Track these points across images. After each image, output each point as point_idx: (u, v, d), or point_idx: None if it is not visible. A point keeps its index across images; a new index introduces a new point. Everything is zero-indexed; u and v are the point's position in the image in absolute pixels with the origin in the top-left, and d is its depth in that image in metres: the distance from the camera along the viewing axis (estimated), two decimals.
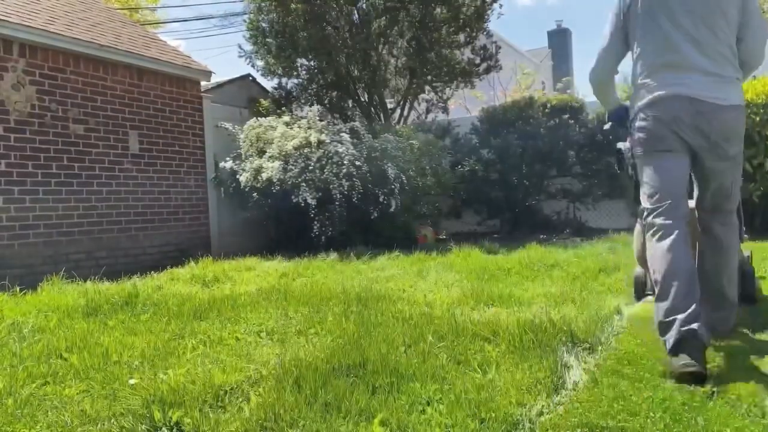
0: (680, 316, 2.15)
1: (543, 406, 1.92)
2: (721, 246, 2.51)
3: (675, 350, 2.13)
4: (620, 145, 2.79)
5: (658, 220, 2.38)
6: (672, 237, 2.30)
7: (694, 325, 2.12)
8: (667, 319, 2.19)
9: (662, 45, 2.39)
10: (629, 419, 1.78)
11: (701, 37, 2.33)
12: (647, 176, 2.46)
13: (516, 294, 3.62)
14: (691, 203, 2.62)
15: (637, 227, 3.02)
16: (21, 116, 5.67)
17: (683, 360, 2.06)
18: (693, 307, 2.16)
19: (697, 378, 2.03)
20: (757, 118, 6.37)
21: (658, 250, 2.33)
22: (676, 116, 2.35)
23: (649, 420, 1.77)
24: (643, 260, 2.98)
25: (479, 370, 2.26)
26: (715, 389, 1.98)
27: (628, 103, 2.70)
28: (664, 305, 2.23)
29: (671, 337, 2.15)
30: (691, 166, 2.48)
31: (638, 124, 2.47)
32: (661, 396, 1.92)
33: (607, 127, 3.00)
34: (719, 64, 2.34)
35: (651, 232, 2.40)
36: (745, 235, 3.07)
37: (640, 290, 3.36)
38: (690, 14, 2.34)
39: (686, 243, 2.32)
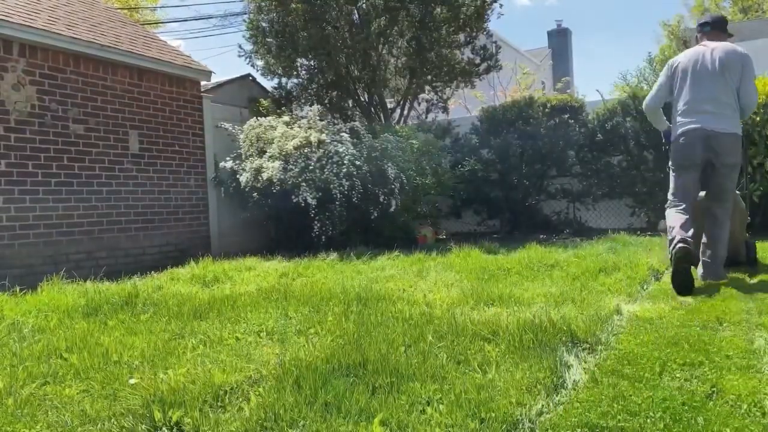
0: (678, 236, 3.66)
1: (543, 405, 1.92)
2: (717, 221, 3.88)
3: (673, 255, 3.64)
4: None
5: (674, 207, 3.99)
6: (680, 208, 3.87)
7: (688, 240, 3.63)
8: (672, 245, 3.68)
9: (690, 96, 3.87)
10: (629, 419, 1.78)
11: (713, 93, 3.79)
12: (673, 181, 3.99)
13: (516, 294, 3.62)
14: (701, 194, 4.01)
15: None
16: (21, 116, 5.68)
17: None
18: (685, 234, 3.65)
19: (686, 256, 3.54)
20: (758, 118, 6.36)
21: (670, 214, 3.92)
22: (695, 142, 3.82)
23: (648, 420, 1.77)
24: None
25: (479, 370, 2.27)
26: (714, 389, 1.98)
27: None
28: (670, 237, 3.77)
29: (672, 248, 3.64)
30: (701, 175, 3.91)
31: (673, 146, 3.97)
32: (660, 396, 1.93)
33: (664, 141, 4.22)
34: (723, 109, 3.79)
35: (669, 210, 3.97)
36: (748, 218, 4.46)
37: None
38: (706, 79, 3.82)
39: (689, 214, 3.80)
